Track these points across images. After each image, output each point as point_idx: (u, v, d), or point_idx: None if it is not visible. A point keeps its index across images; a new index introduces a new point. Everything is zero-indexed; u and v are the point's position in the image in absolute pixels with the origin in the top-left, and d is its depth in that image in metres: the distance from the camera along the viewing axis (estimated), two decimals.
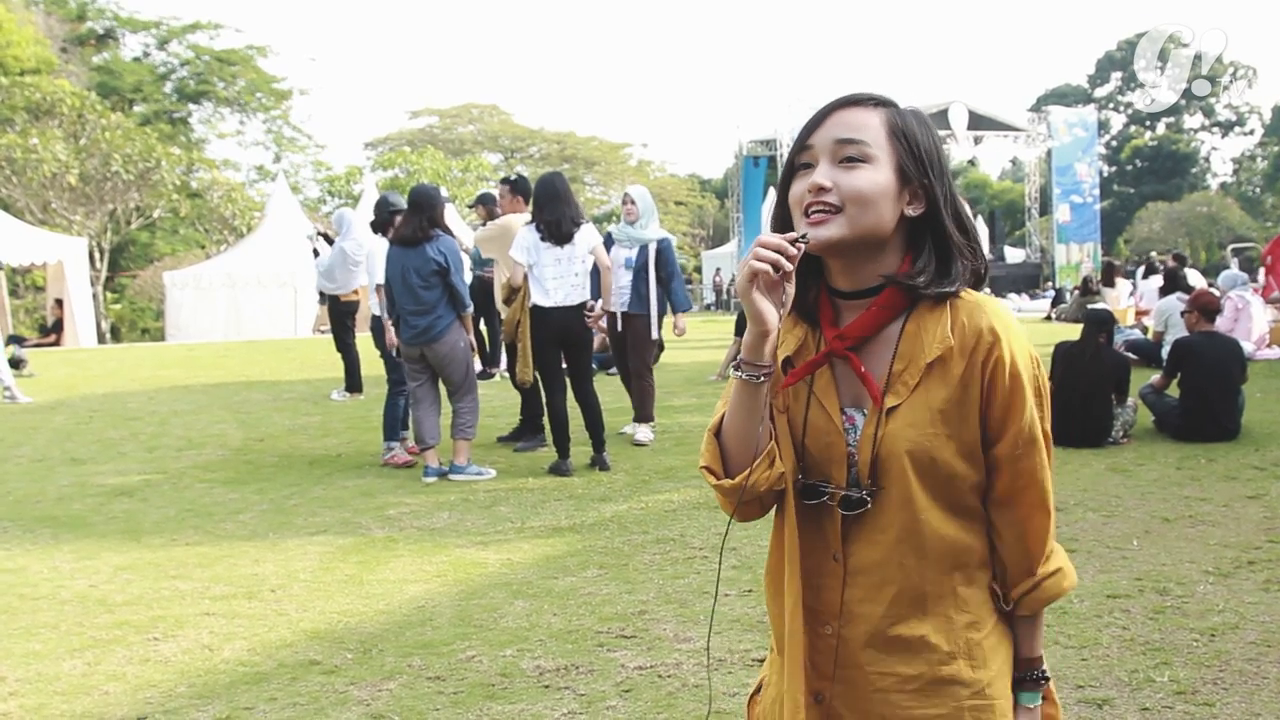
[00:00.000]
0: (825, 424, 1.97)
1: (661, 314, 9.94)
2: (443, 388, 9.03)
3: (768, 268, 1.82)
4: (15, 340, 19.84)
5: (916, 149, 1.96)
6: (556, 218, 8.72)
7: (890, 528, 1.91)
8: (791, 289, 1.87)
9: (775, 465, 1.94)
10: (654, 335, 9.90)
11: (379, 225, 10.04)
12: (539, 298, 8.73)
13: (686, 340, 10.64)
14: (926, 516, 1.92)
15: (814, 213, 1.91)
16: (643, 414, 10.09)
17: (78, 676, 4.82)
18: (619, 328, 9.91)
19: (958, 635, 1.96)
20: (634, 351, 9.98)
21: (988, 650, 1.98)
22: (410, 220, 8.73)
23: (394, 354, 9.48)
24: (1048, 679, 2.05)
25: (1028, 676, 2.02)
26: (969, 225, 2.02)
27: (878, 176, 1.92)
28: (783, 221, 1.99)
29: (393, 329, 9.22)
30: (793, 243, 1.84)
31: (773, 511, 2.06)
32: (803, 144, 1.97)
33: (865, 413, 1.95)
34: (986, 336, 1.92)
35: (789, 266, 1.83)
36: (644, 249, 9.79)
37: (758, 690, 2.19)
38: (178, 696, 4.58)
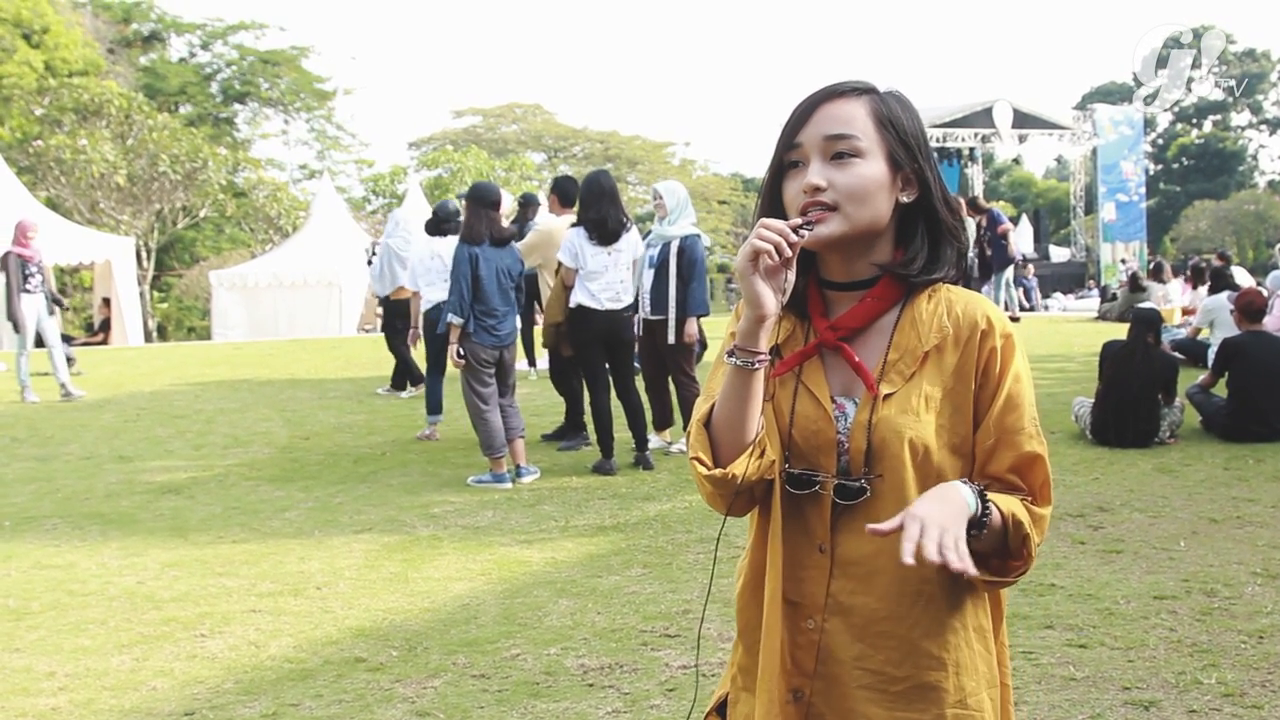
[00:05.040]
0: (814, 411, 1.94)
1: (682, 316, 9.01)
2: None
3: (770, 248, 1.81)
4: (64, 339, 19.95)
5: (904, 135, 1.95)
6: (602, 215, 8.63)
7: (882, 517, 1.84)
8: (793, 276, 1.87)
9: (766, 454, 1.91)
10: (670, 340, 9.03)
11: (441, 230, 9.90)
12: (584, 299, 8.66)
13: (721, 336, 10.32)
14: None
15: (811, 213, 1.90)
16: (683, 420, 9.35)
17: (126, 672, 4.88)
18: (640, 333, 9.22)
19: (945, 638, 1.92)
20: (670, 360, 9.19)
21: (974, 658, 1.94)
22: (495, 218, 8.44)
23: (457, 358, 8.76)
24: (994, 522, 1.83)
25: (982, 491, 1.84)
26: (954, 204, 2.02)
27: (871, 170, 1.91)
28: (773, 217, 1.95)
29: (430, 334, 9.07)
30: (795, 230, 1.85)
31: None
32: (790, 141, 1.96)
33: (857, 401, 1.93)
34: (981, 325, 1.92)
35: (789, 252, 1.83)
36: (666, 246, 9.05)
37: (719, 709, 2.15)
38: (225, 692, 4.63)
